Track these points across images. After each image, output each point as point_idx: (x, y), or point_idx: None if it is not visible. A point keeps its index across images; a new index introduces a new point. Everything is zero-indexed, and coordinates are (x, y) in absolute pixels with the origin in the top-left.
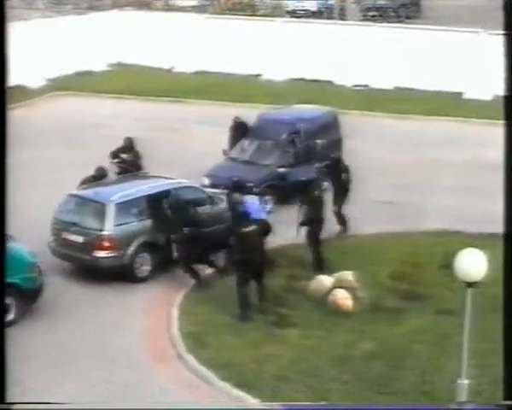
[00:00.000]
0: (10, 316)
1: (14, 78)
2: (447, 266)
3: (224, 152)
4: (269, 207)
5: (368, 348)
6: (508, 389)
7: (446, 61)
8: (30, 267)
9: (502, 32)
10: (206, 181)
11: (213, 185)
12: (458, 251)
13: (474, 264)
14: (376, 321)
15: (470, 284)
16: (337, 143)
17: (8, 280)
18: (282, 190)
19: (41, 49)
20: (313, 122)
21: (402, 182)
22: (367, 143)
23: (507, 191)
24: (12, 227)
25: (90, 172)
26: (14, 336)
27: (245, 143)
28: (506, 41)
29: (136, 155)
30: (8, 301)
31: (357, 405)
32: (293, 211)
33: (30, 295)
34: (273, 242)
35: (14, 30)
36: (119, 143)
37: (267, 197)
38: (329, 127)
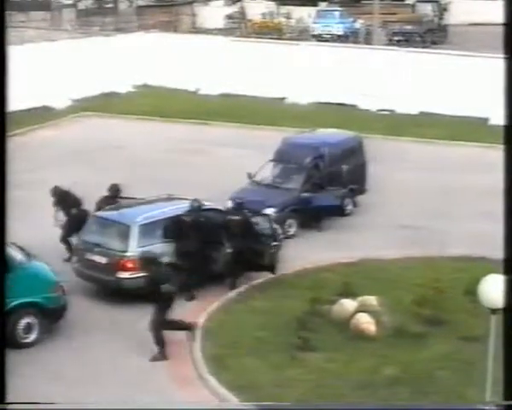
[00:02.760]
0: (33, 335)
1: (40, 98)
2: (471, 292)
3: (249, 175)
4: (292, 230)
5: (391, 373)
6: (508, 389)
7: (472, 87)
8: (53, 287)
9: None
10: (231, 204)
11: (237, 209)
12: (482, 277)
13: (498, 290)
14: (399, 346)
15: (494, 311)
16: (361, 168)
17: (31, 299)
18: (306, 215)
19: (67, 69)
20: (337, 146)
21: (426, 207)
22: (391, 167)
23: (507, 215)
24: (35, 246)
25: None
26: (37, 355)
27: (269, 166)
28: (507, 65)
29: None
30: (31, 320)
31: (355, 404)
32: (316, 235)
33: (53, 315)
34: (297, 265)
35: (41, 50)
36: (144, 165)
37: (290, 221)
38: (354, 152)
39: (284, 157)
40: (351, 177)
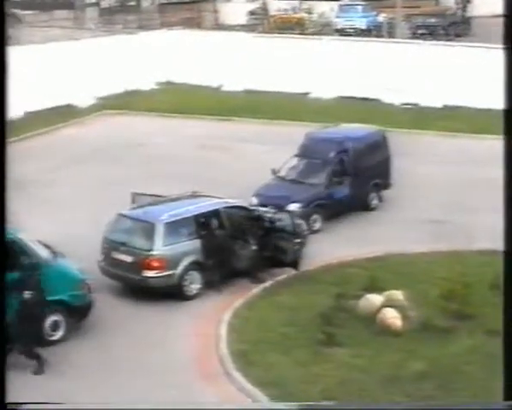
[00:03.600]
0: (60, 333)
1: (64, 97)
2: (498, 286)
3: (273, 171)
4: (317, 226)
5: (417, 368)
6: (508, 389)
7: (496, 80)
8: (79, 285)
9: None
10: (255, 200)
11: (262, 204)
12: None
13: None
14: (426, 341)
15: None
16: (386, 162)
17: (58, 297)
18: (330, 209)
19: (91, 68)
20: (361, 141)
21: (451, 201)
22: (415, 161)
23: (507, 207)
24: (61, 244)
25: (140, 190)
26: (63, 353)
27: (293, 161)
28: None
29: None
30: (58, 318)
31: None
32: (341, 230)
33: (79, 313)
34: (322, 260)
35: (65, 49)
36: (168, 162)
37: (315, 216)
38: (378, 146)
39: (308, 152)
40: (375, 171)
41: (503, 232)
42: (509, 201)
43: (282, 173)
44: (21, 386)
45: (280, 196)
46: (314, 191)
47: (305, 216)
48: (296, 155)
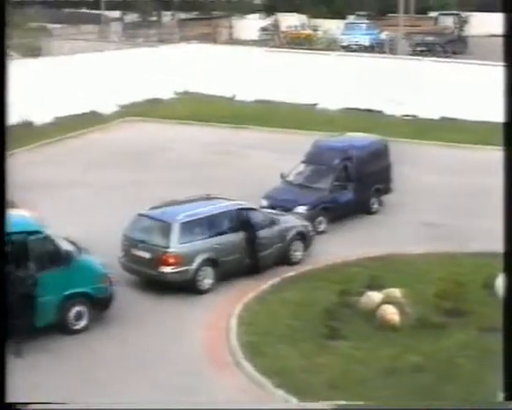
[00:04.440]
0: (83, 322)
1: (89, 104)
2: (489, 285)
3: (282, 176)
4: (322, 227)
5: (414, 360)
6: (508, 389)
7: (490, 94)
8: (101, 278)
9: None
10: (264, 202)
11: (271, 206)
12: (499, 272)
13: None
14: (422, 336)
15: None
16: (387, 169)
17: (82, 290)
18: (335, 212)
19: (115, 78)
20: (364, 149)
21: (447, 206)
22: (415, 169)
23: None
24: (84, 241)
25: (157, 192)
26: (86, 342)
27: (301, 167)
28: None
29: None
30: (81, 308)
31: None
32: (344, 231)
33: (101, 304)
34: (326, 259)
35: (91, 60)
36: (185, 166)
37: (320, 218)
38: (379, 154)
39: (315, 159)
40: (377, 177)
41: (500, 235)
42: (508, 205)
43: (290, 178)
44: (51, 370)
45: (288, 199)
46: (319, 195)
47: (311, 218)
48: (303, 162)
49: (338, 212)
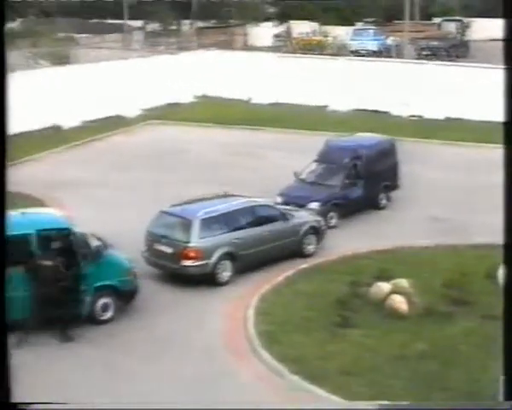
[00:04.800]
0: (109, 313)
1: (113, 108)
2: (492, 275)
3: (295, 174)
4: (333, 222)
5: (421, 347)
6: (508, 389)
7: (491, 95)
8: (127, 272)
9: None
10: (279, 199)
11: (285, 203)
12: (501, 262)
13: None
14: (428, 324)
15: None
16: (394, 167)
17: (108, 282)
18: (345, 208)
19: (137, 83)
20: (373, 148)
21: (452, 201)
22: (420, 166)
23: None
24: (110, 237)
25: (179, 190)
26: (113, 332)
27: (313, 166)
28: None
29: None
30: (108, 300)
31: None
32: (354, 226)
33: (126, 296)
34: (338, 252)
35: (115, 67)
36: (205, 166)
37: (332, 213)
38: (387, 153)
39: (326, 158)
40: (385, 175)
41: (500, 228)
42: (508, 200)
43: (303, 176)
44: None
45: (301, 195)
46: (331, 192)
47: (323, 213)
48: (315, 161)
49: (348, 207)
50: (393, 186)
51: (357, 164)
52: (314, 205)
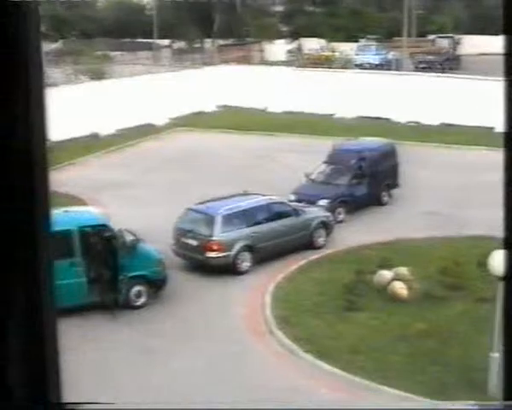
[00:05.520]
0: (142, 300)
1: (144, 117)
2: (483, 263)
3: (306, 175)
4: (341, 217)
5: (420, 328)
6: (508, 389)
7: (480, 102)
8: (157, 262)
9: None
10: (292, 197)
11: (298, 200)
12: (491, 252)
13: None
14: (427, 307)
15: (502, 278)
16: (395, 168)
17: (141, 272)
18: (352, 204)
19: (166, 94)
20: (376, 151)
21: (447, 198)
22: (418, 167)
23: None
24: (143, 232)
25: (204, 189)
26: (145, 316)
27: (322, 167)
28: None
29: None
30: (141, 288)
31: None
32: (360, 220)
33: (157, 285)
34: (345, 244)
35: (146, 81)
36: (227, 168)
37: (339, 209)
38: (388, 155)
39: (334, 160)
40: (386, 174)
41: (490, 221)
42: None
43: (313, 176)
44: (117, 335)
45: (312, 194)
46: (339, 190)
47: (332, 210)
48: (324, 162)
49: (354, 204)
50: (394, 185)
51: (362, 165)
52: (323, 202)
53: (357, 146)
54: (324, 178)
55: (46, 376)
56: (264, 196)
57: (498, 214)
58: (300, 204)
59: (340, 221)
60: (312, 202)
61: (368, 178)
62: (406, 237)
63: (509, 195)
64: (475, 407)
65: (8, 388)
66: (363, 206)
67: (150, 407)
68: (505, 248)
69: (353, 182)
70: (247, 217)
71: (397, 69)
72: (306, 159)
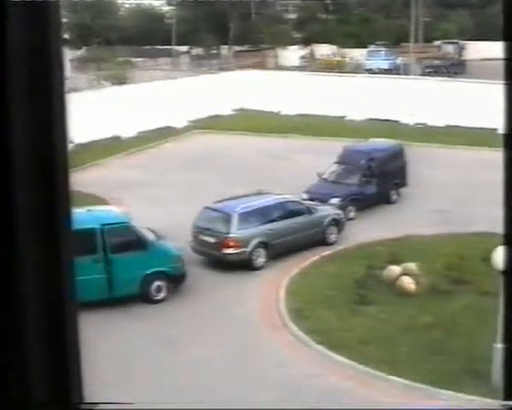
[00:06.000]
0: (162, 294)
1: (164, 120)
2: (486, 258)
3: (318, 174)
4: (352, 215)
5: (427, 320)
6: (508, 389)
7: (484, 105)
8: (176, 259)
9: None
10: (305, 196)
11: (310, 199)
12: (494, 247)
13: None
14: (433, 300)
15: (504, 272)
16: (403, 167)
17: (160, 268)
18: (362, 203)
19: (184, 98)
20: (385, 151)
21: (452, 196)
22: (425, 166)
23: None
24: (163, 229)
25: (221, 189)
26: (166, 309)
27: (333, 167)
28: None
29: None
30: (161, 283)
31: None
32: (370, 218)
33: (176, 280)
34: (355, 240)
35: (166, 86)
36: (243, 168)
37: (350, 207)
38: (397, 155)
39: (345, 160)
40: (395, 174)
41: (494, 217)
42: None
43: (325, 176)
44: (138, 327)
45: (324, 192)
46: (350, 189)
47: (343, 208)
48: (336, 162)
49: (364, 202)
50: (402, 184)
51: (372, 165)
52: (335, 200)
53: (366, 147)
54: (335, 178)
55: (67, 376)
56: (278, 194)
57: (500, 211)
58: (313, 202)
59: (351, 219)
60: (324, 201)
61: (377, 177)
62: (414, 233)
63: (509, 193)
64: (476, 407)
65: (29, 387)
66: (372, 204)
67: (167, 407)
68: (505, 245)
69: (363, 181)
70: (262, 215)
71: (405, 74)
72: (318, 159)
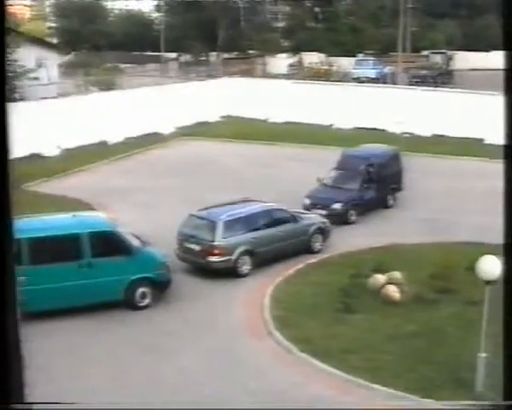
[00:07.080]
0: (146, 301)
1: (151, 126)
2: (472, 268)
3: (318, 179)
4: (353, 218)
5: (412, 329)
6: (508, 389)
7: (471, 115)
8: (161, 266)
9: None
10: (307, 201)
11: (312, 204)
12: (480, 257)
13: (491, 267)
14: (418, 309)
15: (488, 282)
16: (399, 172)
17: (145, 275)
18: (362, 207)
19: (172, 105)
20: (382, 157)
21: (438, 204)
22: (411, 176)
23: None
24: (148, 235)
25: (206, 195)
26: (151, 316)
27: (333, 172)
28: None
29: None
30: (145, 289)
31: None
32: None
33: (161, 286)
34: (341, 249)
35: (153, 92)
36: (230, 175)
37: (351, 212)
38: (394, 161)
39: (344, 166)
40: (392, 179)
41: (478, 225)
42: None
43: (326, 181)
44: (122, 335)
45: (326, 197)
46: (350, 194)
47: (345, 212)
48: (335, 168)
49: (364, 207)
50: (398, 188)
51: (370, 170)
52: (337, 205)
53: (365, 152)
54: (336, 183)
55: (9, 377)
56: (263, 202)
57: (487, 220)
58: (298, 210)
59: (352, 222)
60: (326, 206)
61: (375, 182)
62: (400, 242)
63: (509, 204)
64: (476, 407)
65: None
66: (371, 208)
67: (113, 407)
68: (505, 255)
69: (363, 186)
70: (247, 223)
71: (392, 83)
72: (306, 166)
